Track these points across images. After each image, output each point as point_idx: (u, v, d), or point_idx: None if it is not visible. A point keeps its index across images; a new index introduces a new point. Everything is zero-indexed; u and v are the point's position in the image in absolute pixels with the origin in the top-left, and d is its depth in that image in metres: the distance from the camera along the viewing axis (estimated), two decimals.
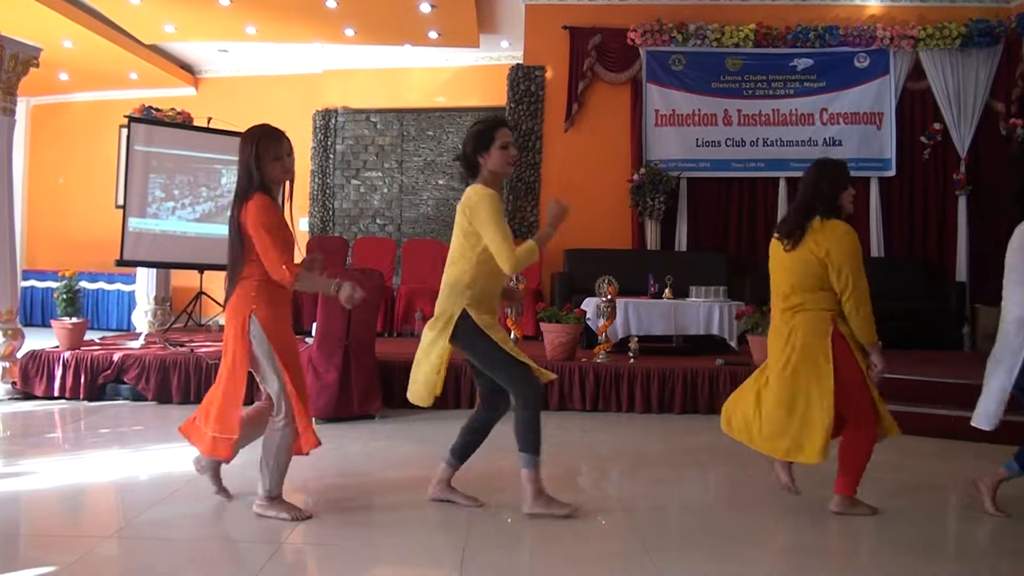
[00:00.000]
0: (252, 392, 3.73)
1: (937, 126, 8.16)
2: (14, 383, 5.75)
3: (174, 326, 7.75)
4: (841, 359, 3.23)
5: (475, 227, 3.15)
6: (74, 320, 6.09)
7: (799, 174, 7.95)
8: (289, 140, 3.20)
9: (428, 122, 10.27)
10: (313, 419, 3.47)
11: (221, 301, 3.71)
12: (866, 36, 8.22)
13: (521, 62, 8.69)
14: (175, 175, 7.74)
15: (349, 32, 9.01)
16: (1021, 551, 3.06)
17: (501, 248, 3.09)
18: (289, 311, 3.27)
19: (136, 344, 6.30)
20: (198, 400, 5.59)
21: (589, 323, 6.23)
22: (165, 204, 7.68)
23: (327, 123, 10.25)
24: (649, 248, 8.23)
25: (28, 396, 5.73)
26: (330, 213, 10.25)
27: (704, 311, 6.44)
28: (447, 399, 5.65)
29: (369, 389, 5.24)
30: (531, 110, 8.53)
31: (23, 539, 3.06)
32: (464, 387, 5.63)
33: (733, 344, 6.37)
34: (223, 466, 3.34)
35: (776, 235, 3.44)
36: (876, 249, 8.20)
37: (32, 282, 10.24)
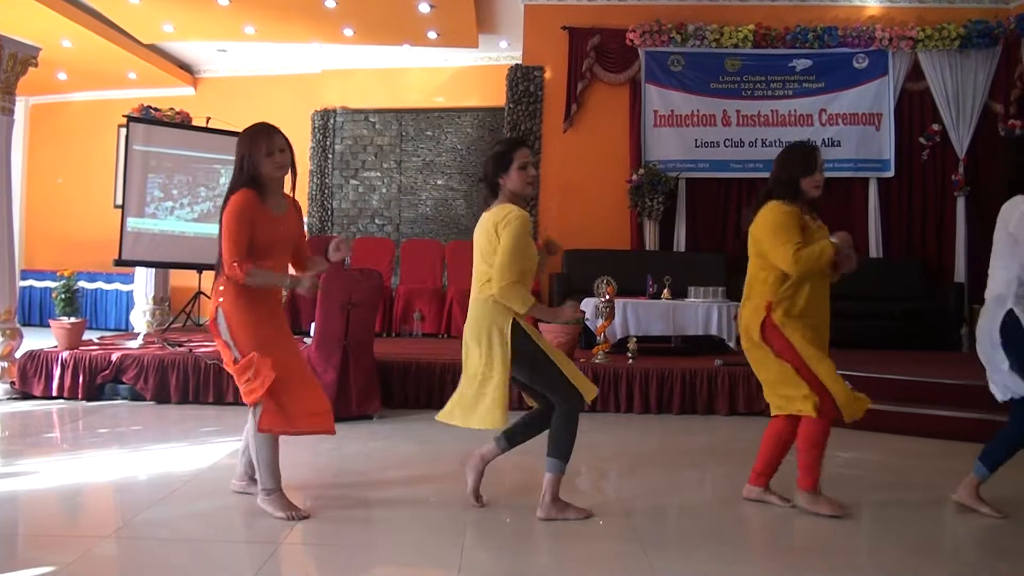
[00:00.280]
0: None
1: (936, 127, 8.17)
2: (12, 383, 5.75)
3: (172, 326, 7.74)
4: (776, 346, 3.28)
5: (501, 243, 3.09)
6: (72, 320, 6.08)
7: None
8: (284, 136, 3.20)
9: (427, 122, 10.28)
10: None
11: None
12: (865, 37, 8.23)
13: (520, 62, 8.69)
14: (174, 175, 7.74)
15: (348, 32, 9.01)
16: (1019, 551, 3.06)
17: (503, 269, 3.06)
18: (269, 307, 3.23)
19: (134, 344, 6.30)
20: (197, 400, 5.65)
21: (588, 323, 6.23)
22: (164, 204, 7.68)
23: (326, 123, 10.25)
24: (648, 248, 8.23)
25: (26, 396, 5.73)
26: (329, 213, 10.25)
27: (703, 311, 6.44)
28: (444, 400, 5.57)
29: (368, 389, 5.24)
30: (530, 110, 8.53)
31: (21, 539, 3.06)
32: None
33: (732, 344, 6.37)
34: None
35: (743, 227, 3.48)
36: (875, 250, 8.21)
37: (30, 282, 10.24)
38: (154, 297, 7.98)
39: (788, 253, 3.19)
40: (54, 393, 5.70)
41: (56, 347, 5.94)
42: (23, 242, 10.43)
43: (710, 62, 8.36)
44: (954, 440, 4.76)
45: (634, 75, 8.39)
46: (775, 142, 8.29)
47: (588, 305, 6.34)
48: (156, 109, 8.13)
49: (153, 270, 7.90)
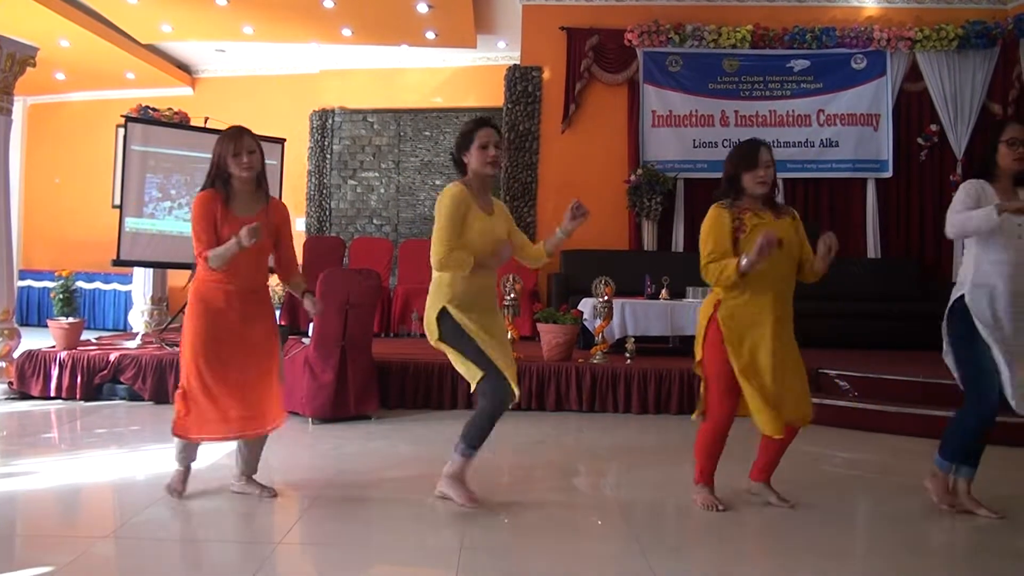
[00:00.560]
0: None
1: (934, 127, 8.18)
2: (10, 383, 5.74)
3: (171, 326, 7.73)
4: (709, 346, 3.35)
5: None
6: (70, 320, 6.08)
7: (796, 175, 8.16)
8: (255, 139, 3.25)
9: (425, 122, 10.28)
10: (284, 416, 3.50)
11: None
12: (863, 37, 8.24)
13: (518, 63, 8.69)
14: (172, 175, 7.72)
15: (346, 32, 9.00)
16: (1017, 551, 3.07)
17: (434, 243, 3.27)
18: (227, 311, 3.26)
19: (132, 344, 6.30)
20: None
21: (586, 324, 6.23)
22: (162, 204, 7.66)
23: (324, 123, 10.25)
24: (646, 249, 8.24)
25: (24, 396, 5.72)
26: (327, 213, 10.25)
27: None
28: (443, 400, 5.66)
29: (366, 389, 5.24)
30: (528, 111, 8.54)
31: (19, 539, 3.05)
32: (460, 387, 5.62)
33: None
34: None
35: None
36: (873, 250, 8.22)
37: (28, 282, 10.23)
38: (152, 297, 7.95)
39: (701, 263, 3.27)
40: (52, 393, 5.69)
41: (54, 347, 5.93)
42: (21, 242, 10.43)
43: (708, 62, 8.37)
44: None
45: (632, 75, 8.40)
46: (773, 143, 8.16)
47: (586, 305, 6.35)
48: (154, 109, 8.10)
49: (151, 270, 7.87)
